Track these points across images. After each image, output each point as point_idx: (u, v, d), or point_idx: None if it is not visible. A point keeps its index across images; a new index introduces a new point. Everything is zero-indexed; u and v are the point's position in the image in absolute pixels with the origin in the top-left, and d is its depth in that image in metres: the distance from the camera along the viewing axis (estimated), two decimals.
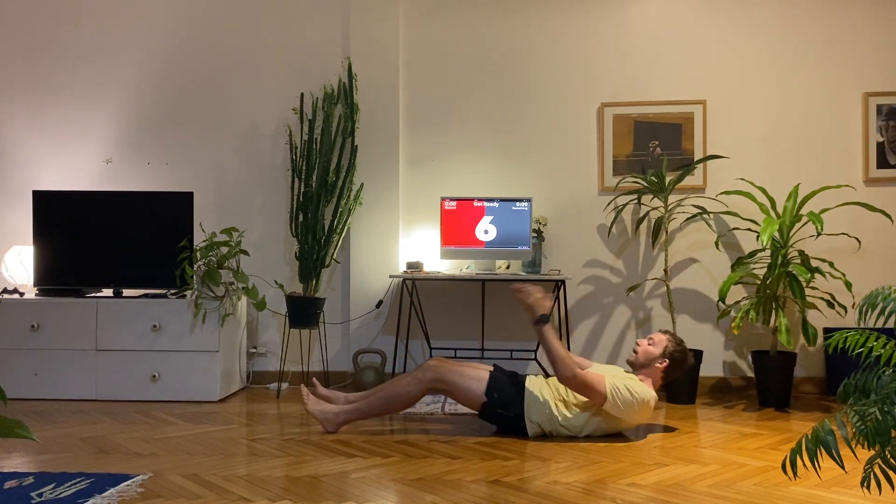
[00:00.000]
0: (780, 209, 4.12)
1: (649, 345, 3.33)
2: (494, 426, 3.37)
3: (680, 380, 3.81)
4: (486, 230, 4.23)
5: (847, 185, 4.24)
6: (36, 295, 4.28)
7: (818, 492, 2.50)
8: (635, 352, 3.35)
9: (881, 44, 4.34)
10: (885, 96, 4.30)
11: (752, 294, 4.25)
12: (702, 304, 4.41)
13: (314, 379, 3.59)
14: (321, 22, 4.63)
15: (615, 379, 3.16)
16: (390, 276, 4.22)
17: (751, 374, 4.35)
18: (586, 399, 3.19)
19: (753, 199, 4.13)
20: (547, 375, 3.94)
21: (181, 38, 4.70)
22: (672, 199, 4.30)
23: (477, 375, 3.27)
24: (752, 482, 2.62)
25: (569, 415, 3.21)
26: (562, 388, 3.26)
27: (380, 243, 4.51)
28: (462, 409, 3.72)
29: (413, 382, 3.28)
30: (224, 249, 4.13)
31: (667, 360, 3.28)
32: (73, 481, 2.58)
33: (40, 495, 2.42)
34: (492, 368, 3.37)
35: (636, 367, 3.33)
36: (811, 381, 4.34)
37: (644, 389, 3.17)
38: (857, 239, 4.22)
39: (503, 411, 3.23)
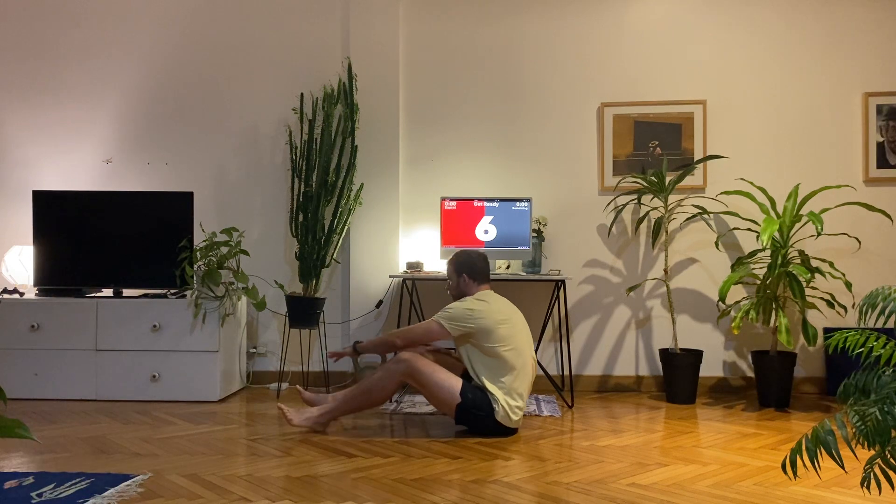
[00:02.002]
0: (780, 209, 4.12)
1: (448, 283, 3.54)
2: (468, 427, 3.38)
3: (682, 379, 3.81)
4: (486, 230, 4.23)
5: (847, 185, 4.24)
6: (36, 295, 4.28)
7: (818, 492, 2.50)
8: (452, 297, 3.53)
9: (881, 44, 4.34)
10: (885, 96, 4.30)
11: (752, 294, 4.25)
12: (702, 304, 4.41)
13: (298, 386, 3.63)
14: (321, 22, 4.63)
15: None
16: (390, 276, 4.22)
17: (751, 374, 4.35)
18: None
19: (753, 199, 4.13)
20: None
21: (181, 38, 4.70)
22: (672, 199, 4.30)
23: (450, 376, 3.29)
24: (752, 482, 2.62)
25: (468, 364, 3.32)
26: (479, 369, 3.32)
27: (380, 243, 4.50)
28: None
29: (386, 376, 3.30)
30: (224, 249, 4.13)
31: (464, 274, 3.48)
32: (73, 481, 2.58)
33: (40, 495, 2.42)
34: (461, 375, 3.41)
35: (458, 300, 3.49)
36: (811, 381, 4.34)
37: (465, 301, 3.36)
38: (857, 239, 4.21)
39: (476, 411, 3.24)
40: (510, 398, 3.24)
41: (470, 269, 3.47)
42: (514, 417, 3.26)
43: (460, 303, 3.35)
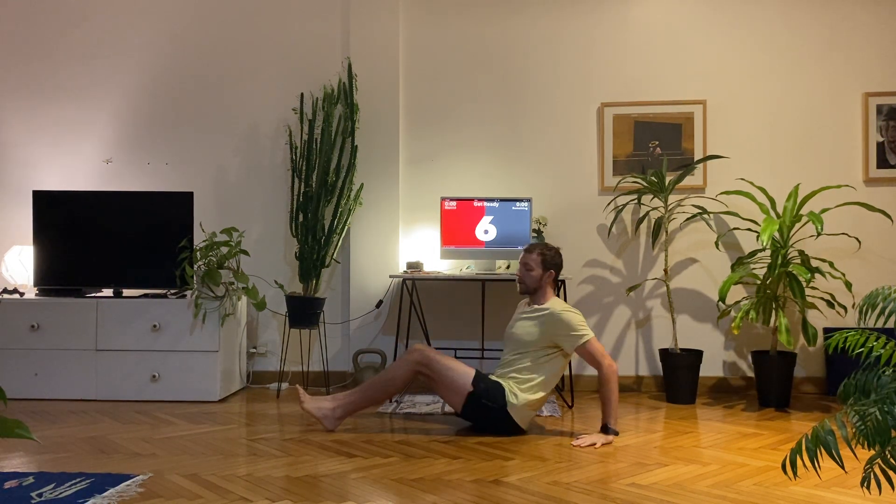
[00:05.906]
0: (780, 209, 4.12)
1: (528, 271, 3.39)
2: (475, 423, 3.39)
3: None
4: (486, 230, 4.22)
5: (847, 185, 4.24)
6: (36, 295, 4.28)
7: (818, 492, 2.50)
8: (522, 282, 3.42)
9: (881, 44, 4.33)
10: (885, 96, 4.30)
11: (752, 294, 4.25)
12: (702, 304, 4.41)
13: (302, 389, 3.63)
14: (321, 22, 4.63)
15: (564, 331, 3.26)
16: (390, 276, 4.21)
17: (751, 374, 4.35)
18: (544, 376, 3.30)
19: (753, 199, 4.13)
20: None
21: (181, 38, 4.70)
22: (672, 199, 4.30)
23: (463, 366, 3.32)
24: (752, 482, 2.62)
25: (537, 369, 3.30)
26: (545, 370, 3.32)
27: (380, 243, 4.50)
28: None
29: (400, 365, 3.32)
30: (224, 249, 4.13)
31: (552, 271, 3.40)
32: (73, 481, 2.58)
33: (40, 495, 2.42)
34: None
35: (531, 293, 3.43)
36: (811, 381, 4.34)
37: (566, 310, 3.31)
38: (857, 239, 4.21)
39: (488, 402, 3.24)
40: (531, 394, 3.27)
41: (557, 269, 3.44)
42: (531, 412, 3.30)
43: (567, 315, 3.28)
